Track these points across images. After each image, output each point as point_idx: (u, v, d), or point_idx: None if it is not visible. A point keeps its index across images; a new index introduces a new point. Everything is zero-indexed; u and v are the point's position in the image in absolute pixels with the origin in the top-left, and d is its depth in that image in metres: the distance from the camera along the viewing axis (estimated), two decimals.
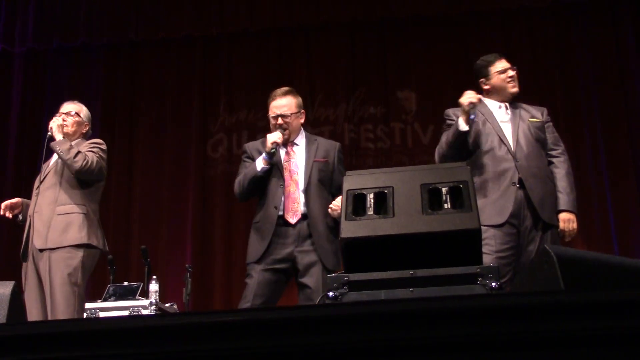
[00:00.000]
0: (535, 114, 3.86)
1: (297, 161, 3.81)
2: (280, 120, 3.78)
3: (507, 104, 3.87)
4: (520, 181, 3.60)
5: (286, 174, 3.74)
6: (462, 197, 2.07)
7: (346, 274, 1.99)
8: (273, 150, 3.65)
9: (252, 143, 3.99)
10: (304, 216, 3.67)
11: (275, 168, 3.74)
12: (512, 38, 6.79)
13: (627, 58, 6.52)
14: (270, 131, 3.82)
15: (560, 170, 3.73)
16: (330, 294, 1.95)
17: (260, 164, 3.70)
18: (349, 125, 6.79)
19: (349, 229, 2.05)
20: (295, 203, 3.67)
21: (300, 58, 7.01)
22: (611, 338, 1.27)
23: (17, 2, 7.03)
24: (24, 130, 6.95)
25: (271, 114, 3.85)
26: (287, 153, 3.82)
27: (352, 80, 6.89)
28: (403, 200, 2.08)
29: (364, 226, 2.05)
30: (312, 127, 6.77)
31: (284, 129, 3.78)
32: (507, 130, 3.75)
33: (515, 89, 3.86)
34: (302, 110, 3.92)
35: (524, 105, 3.91)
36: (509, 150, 3.67)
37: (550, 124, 3.89)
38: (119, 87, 7.14)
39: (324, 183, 3.76)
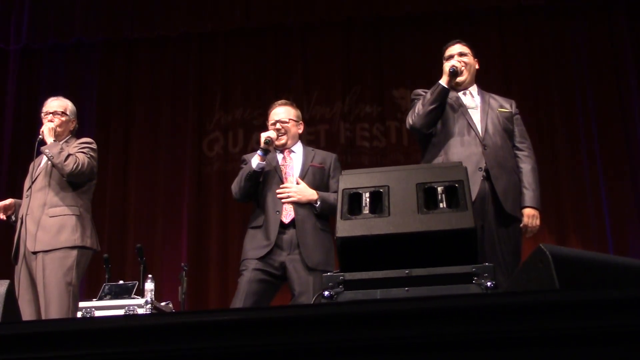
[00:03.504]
0: (504, 105, 3.79)
1: (294, 165, 3.87)
2: (278, 125, 3.87)
3: (474, 91, 3.80)
4: (487, 170, 3.52)
5: (283, 179, 3.80)
6: (457, 196, 2.07)
7: (342, 273, 1.99)
8: (267, 142, 3.69)
9: (251, 154, 4.04)
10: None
11: (274, 173, 3.79)
12: (508, 36, 6.80)
13: (623, 57, 6.54)
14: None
15: (527, 166, 3.66)
16: (326, 293, 1.95)
17: (255, 160, 3.73)
18: (345, 123, 6.79)
19: (345, 228, 2.05)
20: (289, 204, 3.71)
21: (296, 56, 7.00)
22: (606, 337, 1.27)
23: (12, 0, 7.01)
24: (19, 128, 6.93)
25: (270, 121, 3.95)
26: (284, 158, 3.88)
27: (348, 78, 6.89)
28: (399, 200, 2.08)
29: (360, 225, 2.05)
30: (308, 126, 6.76)
31: (282, 134, 3.86)
32: (476, 117, 3.68)
33: (459, 78, 3.72)
34: (301, 122, 4.01)
35: (494, 95, 3.84)
36: (477, 136, 3.60)
37: (519, 116, 3.81)
38: (115, 85, 7.13)
39: (318, 188, 3.78)
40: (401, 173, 2.20)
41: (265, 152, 3.71)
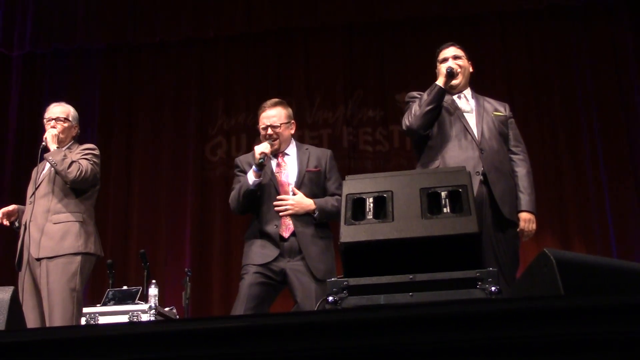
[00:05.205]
0: (499, 108, 3.77)
1: (289, 172, 3.79)
2: (270, 131, 3.76)
3: (468, 95, 3.79)
4: (484, 174, 3.51)
5: (279, 189, 3.73)
6: (461, 201, 2.07)
7: (345, 279, 1.98)
8: (261, 160, 3.62)
9: (243, 156, 3.96)
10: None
11: (269, 184, 3.73)
12: (510, 40, 6.80)
13: (625, 60, 6.53)
14: (260, 142, 3.80)
15: (522, 170, 3.65)
16: (330, 298, 1.94)
17: (251, 177, 3.67)
18: (348, 128, 6.79)
19: (349, 234, 2.04)
20: (287, 217, 3.66)
21: (299, 61, 7.01)
22: (611, 342, 1.27)
23: (15, 6, 7.03)
24: (22, 134, 6.95)
25: (261, 125, 3.82)
26: (278, 164, 3.81)
27: (351, 83, 6.90)
28: (402, 205, 2.08)
29: (364, 231, 2.05)
30: (311, 130, 6.78)
31: (274, 140, 3.77)
32: (472, 121, 3.66)
33: (454, 81, 3.73)
34: (292, 121, 3.89)
35: (487, 98, 3.83)
36: (473, 139, 3.59)
37: (513, 120, 3.80)
38: (117, 91, 7.14)
39: (315, 194, 3.73)
40: (405, 178, 2.20)
41: (260, 167, 3.65)
